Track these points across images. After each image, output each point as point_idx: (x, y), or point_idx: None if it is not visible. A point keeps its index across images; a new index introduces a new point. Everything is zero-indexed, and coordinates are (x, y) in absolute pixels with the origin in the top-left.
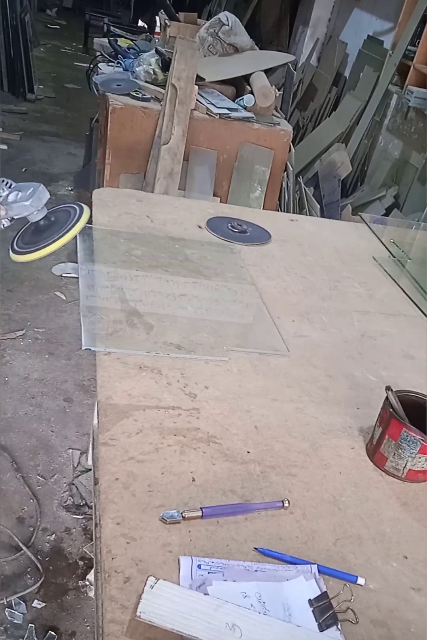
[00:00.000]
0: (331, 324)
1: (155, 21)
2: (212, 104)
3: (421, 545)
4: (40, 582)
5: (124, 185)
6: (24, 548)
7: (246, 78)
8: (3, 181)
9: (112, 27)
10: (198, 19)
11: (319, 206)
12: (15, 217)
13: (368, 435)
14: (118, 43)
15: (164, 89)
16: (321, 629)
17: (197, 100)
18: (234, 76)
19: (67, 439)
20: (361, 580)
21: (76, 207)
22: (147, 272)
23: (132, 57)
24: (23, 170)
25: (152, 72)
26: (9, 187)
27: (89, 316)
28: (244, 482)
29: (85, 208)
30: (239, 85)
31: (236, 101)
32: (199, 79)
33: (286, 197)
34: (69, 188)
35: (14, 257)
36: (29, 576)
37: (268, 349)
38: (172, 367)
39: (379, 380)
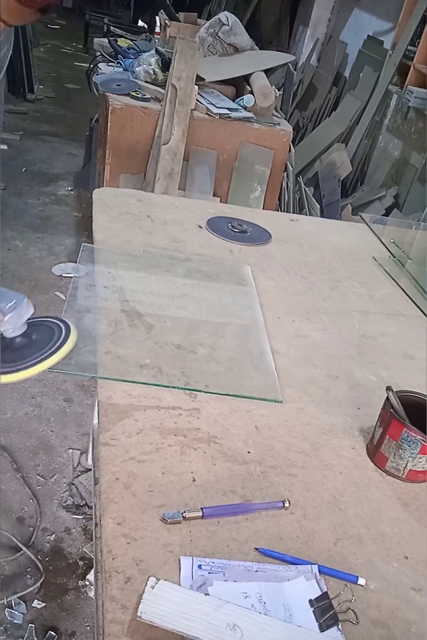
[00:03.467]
0: (331, 324)
1: (155, 21)
2: (212, 104)
3: (422, 546)
4: (40, 581)
5: (124, 185)
6: (23, 548)
7: (246, 78)
8: None
9: (112, 27)
10: (198, 19)
11: (319, 206)
12: None
13: (369, 436)
14: (118, 43)
15: (164, 89)
16: (322, 630)
17: (197, 100)
18: (234, 76)
19: (67, 439)
20: (361, 581)
21: (61, 325)
22: (147, 273)
23: (132, 57)
24: (23, 170)
25: (152, 72)
26: None
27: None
28: (244, 482)
29: (73, 329)
30: (239, 85)
31: (236, 101)
32: (199, 79)
33: (286, 197)
34: (69, 188)
35: None
36: (29, 576)
37: (261, 394)
38: (172, 367)
39: (379, 380)
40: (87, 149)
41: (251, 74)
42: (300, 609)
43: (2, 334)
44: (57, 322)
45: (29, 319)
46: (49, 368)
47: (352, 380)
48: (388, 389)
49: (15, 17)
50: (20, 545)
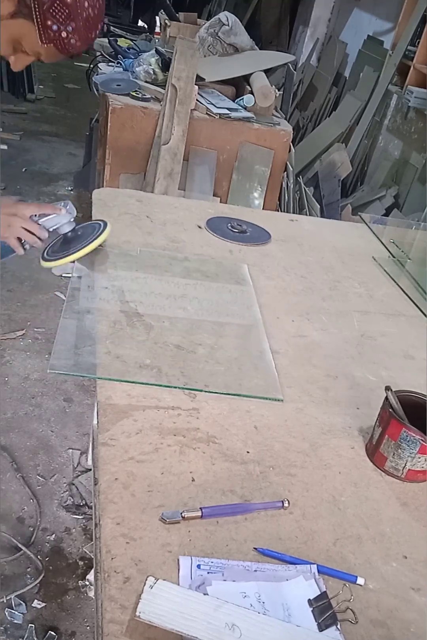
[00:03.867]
0: (331, 324)
1: (155, 21)
2: (212, 104)
3: (421, 545)
4: (40, 578)
5: (124, 185)
6: (23, 548)
7: (246, 78)
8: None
9: (112, 27)
10: (198, 19)
11: (319, 206)
12: (51, 229)
13: (368, 435)
14: (118, 43)
15: (164, 89)
16: (321, 629)
17: (197, 100)
18: (234, 76)
19: (67, 439)
20: (360, 580)
21: (101, 223)
22: (147, 273)
23: (132, 57)
24: (23, 170)
25: (152, 72)
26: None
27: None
28: (243, 482)
29: (108, 225)
30: (239, 85)
31: (236, 101)
32: (199, 79)
33: (286, 197)
34: (69, 188)
35: (43, 264)
36: (28, 576)
37: (261, 393)
38: (172, 367)
39: (379, 380)
40: (87, 149)
41: (251, 74)
42: (299, 608)
43: (59, 232)
44: (98, 221)
45: (76, 221)
46: (91, 251)
47: (352, 380)
48: (387, 388)
49: (51, 59)
50: (20, 545)
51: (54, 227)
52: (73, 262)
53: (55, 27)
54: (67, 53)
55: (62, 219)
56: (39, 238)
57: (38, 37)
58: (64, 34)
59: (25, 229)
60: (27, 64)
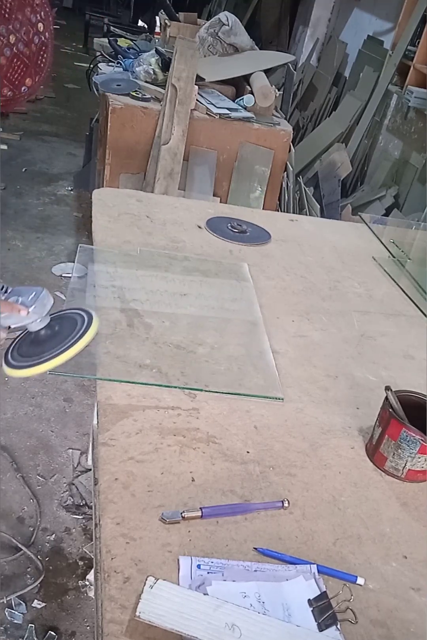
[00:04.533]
0: (330, 324)
1: (155, 21)
2: (212, 104)
3: (421, 545)
4: (40, 579)
5: (124, 185)
6: (23, 548)
7: (246, 78)
8: (2, 287)
9: (112, 27)
10: (198, 19)
11: (319, 206)
12: (12, 327)
13: (368, 435)
14: (118, 43)
15: (164, 89)
16: (320, 629)
17: (197, 100)
18: (234, 76)
19: (67, 439)
20: (360, 580)
21: (84, 316)
22: (147, 273)
23: (132, 57)
24: (23, 170)
25: (152, 72)
26: (6, 292)
27: None
28: (243, 482)
29: (94, 317)
30: (239, 85)
31: (236, 101)
32: (199, 79)
33: (286, 197)
34: (69, 188)
35: (8, 371)
36: (29, 576)
37: (261, 392)
38: (172, 367)
39: (379, 380)
40: (87, 149)
41: (251, 74)
42: (299, 608)
43: (27, 328)
44: (79, 311)
45: (51, 313)
46: (72, 356)
47: (352, 380)
48: (387, 388)
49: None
50: (20, 545)
51: (18, 325)
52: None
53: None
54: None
55: (26, 319)
56: None
57: None
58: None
59: None
60: None
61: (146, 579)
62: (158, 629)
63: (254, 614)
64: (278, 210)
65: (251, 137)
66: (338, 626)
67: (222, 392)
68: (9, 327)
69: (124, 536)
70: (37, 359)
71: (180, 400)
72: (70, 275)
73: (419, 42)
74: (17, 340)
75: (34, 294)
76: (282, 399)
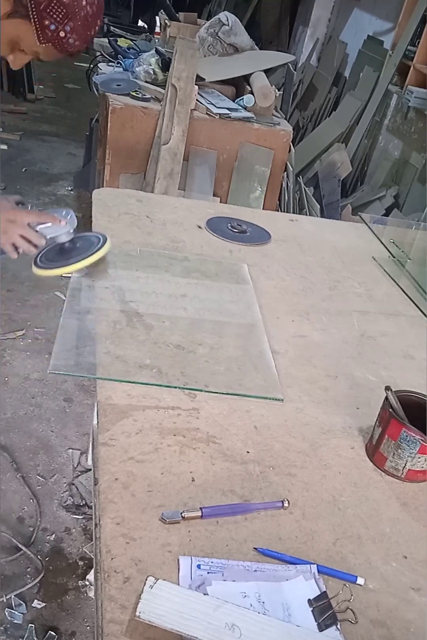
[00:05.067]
0: (330, 324)
1: (155, 21)
2: (212, 104)
3: (421, 545)
4: (40, 577)
5: (124, 185)
6: (23, 548)
7: (246, 78)
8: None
9: (112, 27)
10: (198, 19)
11: (319, 206)
12: (49, 237)
13: (368, 435)
14: (118, 43)
15: (164, 89)
16: (320, 629)
17: (197, 100)
18: (234, 76)
19: (67, 439)
20: (360, 580)
21: (100, 237)
22: (147, 273)
23: (132, 57)
24: (23, 170)
25: (152, 72)
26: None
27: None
28: (243, 482)
29: (108, 240)
30: (239, 85)
31: (236, 101)
32: (199, 79)
33: (286, 197)
34: (69, 188)
35: (36, 271)
36: (28, 576)
37: (261, 393)
38: (172, 367)
39: (379, 380)
40: (87, 149)
41: (251, 74)
42: (299, 608)
43: (56, 240)
44: (96, 234)
45: (75, 231)
46: (88, 265)
47: (352, 380)
48: (387, 388)
49: (49, 57)
50: (20, 545)
51: (52, 236)
52: (68, 274)
53: (52, 27)
54: (66, 52)
55: (61, 228)
56: (35, 246)
57: (36, 37)
58: (62, 34)
59: (22, 237)
60: (26, 62)
61: (146, 579)
62: (158, 629)
63: (254, 614)
64: (278, 210)
65: (251, 137)
66: (338, 626)
67: (222, 393)
68: (46, 239)
69: (124, 536)
70: (63, 263)
71: (180, 400)
72: (70, 275)
73: (419, 42)
74: (44, 249)
75: (65, 212)
76: (282, 400)
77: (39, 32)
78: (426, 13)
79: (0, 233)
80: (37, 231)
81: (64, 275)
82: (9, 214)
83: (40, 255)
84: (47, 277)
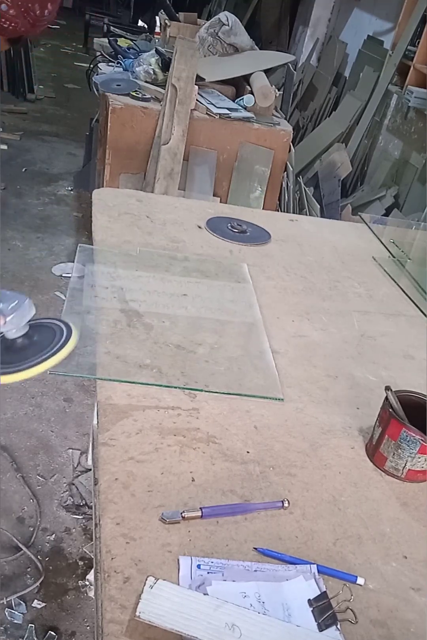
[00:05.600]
0: (330, 324)
1: (155, 21)
2: (212, 104)
3: (421, 545)
4: (40, 580)
5: (124, 185)
6: (23, 548)
7: (246, 78)
8: None
9: (112, 27)
10: (198, 19)
11: (319, 206)
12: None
13: (368, 435)
14: (118, 43)
15: (164, 89)
16: (321, 629)
17: (197, 100)
18: (234, 76)
19: (67, 439)
20: (360, 580)
21: (62, 326)
22: (147, 273)
23: (132, 57)
24: (23, 170)
25: (152, 72)
26: None
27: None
28: (243, 482)
29: (74, 330)
30: (239, 85)
31: (236, 101)
32: (199, 79)
33: (286, 197)
34: (69, 188)
35: None
36: (28, 576)
37: (261, 393)
38: (172, 367)
39: (379, 380)
40: (87, 149)
41: (251, 74)
42: (299, 608)
43: (3, 335)
44: (59, 323)
45: (30, 320)
46: (49, 369)
47: (352, 380)
48: (387, 388)
49: None
50: (20, 545)
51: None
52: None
53: None
54: (3, 30)
55: (6, 326)
56: None
57: None
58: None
59: None
60: None
61: (146, 579)
62: (158, 629)
63: (254, 614)
64: (278, 210)
65: (251, 137)
66: (338, 626)
67: (222, 393)
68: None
69: (124, 536)
70: (12, 368)
71: (180, 400)
72: (70, 275)
73: (419, 42)
74: None
75: (16, 302)
76: (282, 399)
77: None
78: (426, 13)
79: None
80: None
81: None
82: None
83: None
84: None
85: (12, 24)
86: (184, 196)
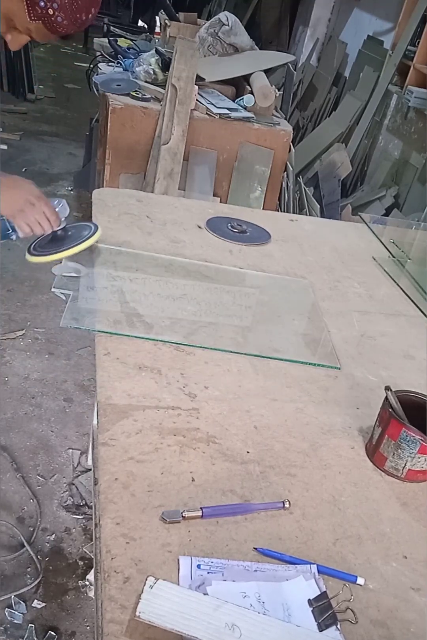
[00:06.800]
0: (331, 324)
1: (155, 21)
2: (212, 104)
3: (421, 545)
4: (38, 581)
5: (124, 185)
6: (26, 545)
7: (246, 78)
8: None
9: (112, 27)
10: (198, 19)
11: (319, 206)
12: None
13: (368, 435)
14: (118, 43)
15: (164, 89)
16: (321, 629)
17: (197, 100)
18: (234, 76)
19: (67, 439)
20: (360, 580)
21: (91, 226)
22: (147, 273)
23: (132, 57)
24: (23, 170)
25: (152, 72)
26: None
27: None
28: (243, 482)
29: (99, 228)
30: (239, 85)
31: (236, 101)
32: (199, 79)
33: (286, 197)
34: (69, 188)
35: (29, 258)
36: (28, 576)
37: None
38: (171, 367)
39: (379, 380)
40: (87, 149)
41: (251, 74)
42: (299, 608)
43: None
44: (89, 224)
45: (66, 220)
46: (79, 251)
47: (352, 380)
48: (387, 388)
49: (41, 38)
50: (24, 541)
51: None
52: (60, 260)
53: (42, 4)
54: (55, 32)
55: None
56: (46, 229)
57: (26, 13)
58: (50, 11)
59: (38, 221)
60: (24, 44)
61: (146, 579)
62: (158, 629)
63: (254, 614)
64: (278, 210)
65: (251, 137)
66: (338, 626)
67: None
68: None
69: (124, 536)
70: (56, 251)
71: (180, 400)
72: (70, 275)
73: (419, 42)
74: (38, 238)
75: (57, 201)
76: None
77: (30, 8)
78: (426, 13)
79: (17, 211)
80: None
81: (55, 260)
82: (31, 196)
83: (33, 244)
84: (40, 263)
85: (65, 30)
86: (184, 196)
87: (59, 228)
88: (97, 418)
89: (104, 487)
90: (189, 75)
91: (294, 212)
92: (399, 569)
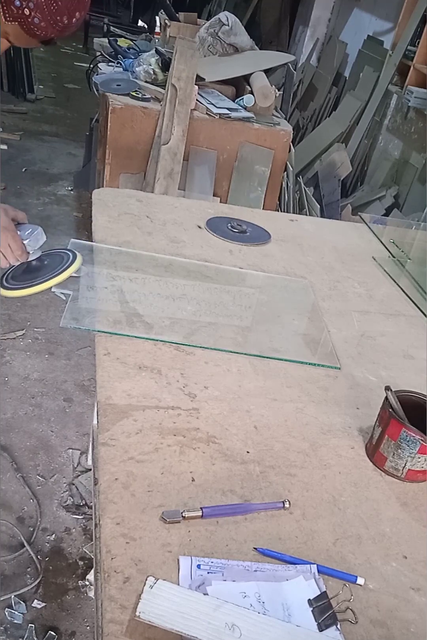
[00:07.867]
0: (330, 323)
1: (155, 21)
2: (212, 104)
3: (421, 545)
4: (38, 580)
5: (124, 185)
6: (26, 545)
7: (246, 78)
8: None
9: (112, 27)
10: (198, 19)
11: (319, 206)
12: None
13: (368, 435)
14: (118, 43)
15: (164, 89)
16: (321, 629)
17: (197, 100)
18: (234, 76)
19: (67, 439)
20: (360, 580)
21: (69, 254)
22: (146, 273)
23: (132, 57)
24: (23, 170)
25: (152, 72)
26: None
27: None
28: (243, 482)
29: (78, 256)
30: (239, 85)
31: (236, 101)
32: (199, 79)
33: (286, 197)
34: (69, 188)
35: (4, 292)
36: (28, 576)
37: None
38: (171, 367)
39: (379, 380)
40: (87, 149)
41: (251, 74)
42: (299, 608)
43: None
44: (67, 251)
45: (43, 249)
46: (56, 284)
47: (352, 380)
48: (387, 388)
49: (22, 43)
50: (24, 541)
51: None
52: (35, 293)
53: (17, 3)
54: (33, 35)
55: (28, 245)
56: (16, 259)
57: (2, 13)
58: (26, 11)
59: (9, 247)
60: (4, 49)
61: (146, 579)
62: (158, 629)
63: (254, 614)
64: (278, 210)
65: (251, 137)
66: (338, 626)
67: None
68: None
69: (124, 536)
70: (29, 284)
71: (180, 400)
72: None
73: (419, 42)
74: (11, 269)
75: (30, 229)
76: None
77: (5, 8)
78: (426, 13)
79: None
80: (25, 244)
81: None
82: (3, 220)
83: (6, 274)
84: (13, 297)
85: (43, 33)
86: (184, 196)
87: (33, 258)
88: (97, 418)
89: (104, 487)
90: (189, 75)
91: (294, 212)
92: (399, 569)
